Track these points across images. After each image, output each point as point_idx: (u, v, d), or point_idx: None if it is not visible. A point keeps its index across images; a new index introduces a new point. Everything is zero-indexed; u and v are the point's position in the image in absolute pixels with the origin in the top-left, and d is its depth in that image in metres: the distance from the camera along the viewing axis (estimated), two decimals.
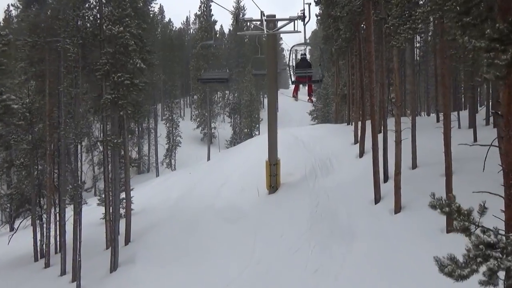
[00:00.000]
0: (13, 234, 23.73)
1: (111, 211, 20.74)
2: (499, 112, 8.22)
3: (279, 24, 18.72)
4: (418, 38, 36.36)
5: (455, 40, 9.41)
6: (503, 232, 5.61)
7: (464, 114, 25.68)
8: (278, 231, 17.62)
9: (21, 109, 21.75)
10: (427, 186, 15.89)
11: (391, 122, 19.11)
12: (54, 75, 21.89)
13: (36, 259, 22.90)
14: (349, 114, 33.73)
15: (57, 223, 22.09)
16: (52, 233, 22.90)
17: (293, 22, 17.91)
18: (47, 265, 21.79)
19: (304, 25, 17.05)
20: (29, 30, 21.33)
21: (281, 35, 32.89)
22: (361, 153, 22.50)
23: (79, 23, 20.23)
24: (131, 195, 24.19)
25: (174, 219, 22.78)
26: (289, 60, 17.48)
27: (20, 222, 25.30)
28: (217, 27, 72.26)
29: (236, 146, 45.69)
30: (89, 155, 45.75)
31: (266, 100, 53.47)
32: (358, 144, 23.34)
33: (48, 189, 22.22)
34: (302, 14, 17.12)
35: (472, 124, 20.97)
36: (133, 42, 19.06)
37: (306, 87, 18.79)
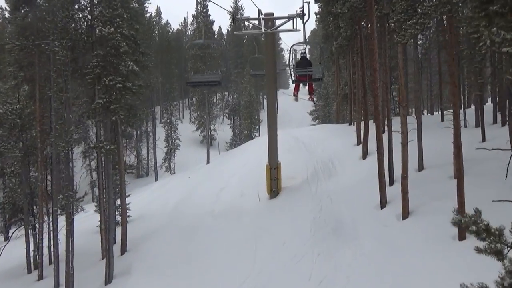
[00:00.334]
0: (5, 245, 22.89)
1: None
2: None
3: (278, 22, 18.04)
4: (420, 34, 35.50)
5: (475, 33, 8.46)
6: None
7: (469, 112, 24.87)
8: (280, 239, 16.92)
9: (10, 115, 21.00)
10: (435, 189, 15.17)
11: (395, 122, 18.34)
12: (45, 80, 21.11)
13: (29, 271, 22.05)
14: (351, 114, 33.06)
15: (51, 233, 21.26)
16: (46, 243, 22.07)
17: (292, 21, 17.19)
18: (40, 277, 20.95)
19: (304, 23, 16.35)
20: (17, 32, 20.49)
21: (280, 35, 32.30)
22: (365, 155, 21.80)
23: (69, 24, 19.37)
24: (128, 202, 23.42)
25: (172, 226, 22.02)
26: (289, 59, 16.88)
27: (13, 232, 24.50)
28: (215, 28, 71.38)
29: (236, 148, 44.99)
30: (86, 160, 45.00)
31: (265, 101, 52.72)
32: (361, 145, 22.59)
33: (40, 197, 21.42)
34: (301, 12, 16.42)
35: (480, 123, 20.21)
36: (124, 44, 18.26)
37: (307, 87, 18.31)
